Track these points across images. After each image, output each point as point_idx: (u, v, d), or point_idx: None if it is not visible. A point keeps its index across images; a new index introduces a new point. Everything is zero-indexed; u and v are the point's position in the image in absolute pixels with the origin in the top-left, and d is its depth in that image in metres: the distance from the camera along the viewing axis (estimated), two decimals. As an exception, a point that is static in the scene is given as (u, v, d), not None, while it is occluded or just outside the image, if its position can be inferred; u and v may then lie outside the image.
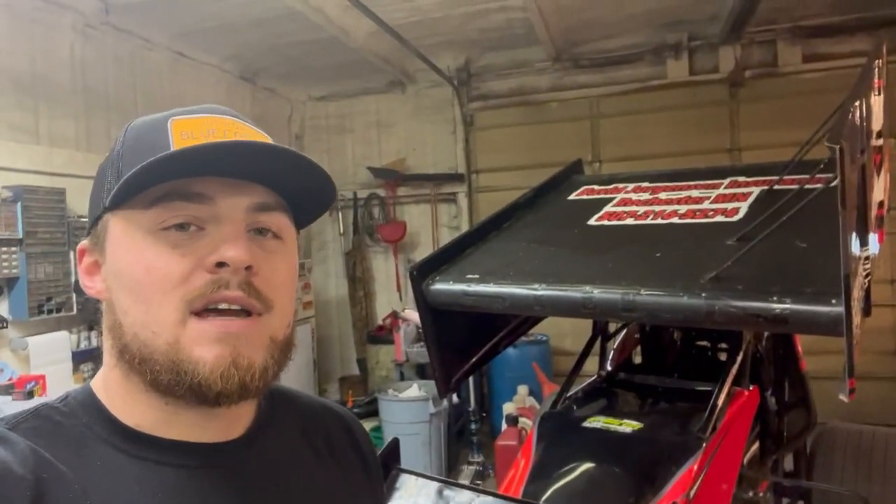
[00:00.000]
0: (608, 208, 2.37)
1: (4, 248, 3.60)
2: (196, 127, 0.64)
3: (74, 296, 3.95)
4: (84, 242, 0.68)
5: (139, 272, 0.60)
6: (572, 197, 2.64)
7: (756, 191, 2.21)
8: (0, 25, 3.89)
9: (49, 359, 3.68)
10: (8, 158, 3.76)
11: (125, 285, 0.61)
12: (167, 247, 0.60)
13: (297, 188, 0.67)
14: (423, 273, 2.06)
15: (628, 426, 2.17)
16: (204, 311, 0.60)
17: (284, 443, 0.73)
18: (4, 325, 3.63)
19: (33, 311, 3.69)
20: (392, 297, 6.75)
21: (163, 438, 0.63)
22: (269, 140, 0.68)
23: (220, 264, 0.60)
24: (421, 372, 5.46)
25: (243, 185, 0.63)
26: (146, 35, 5.00)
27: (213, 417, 0.64)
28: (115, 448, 0.61)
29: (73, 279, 3.92)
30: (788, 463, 3.14)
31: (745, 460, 2.37)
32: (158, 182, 0.60)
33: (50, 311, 3.78)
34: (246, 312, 0.61)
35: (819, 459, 3.08)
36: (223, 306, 0.60)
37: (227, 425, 0.67)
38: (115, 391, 0.64)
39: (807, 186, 1.83)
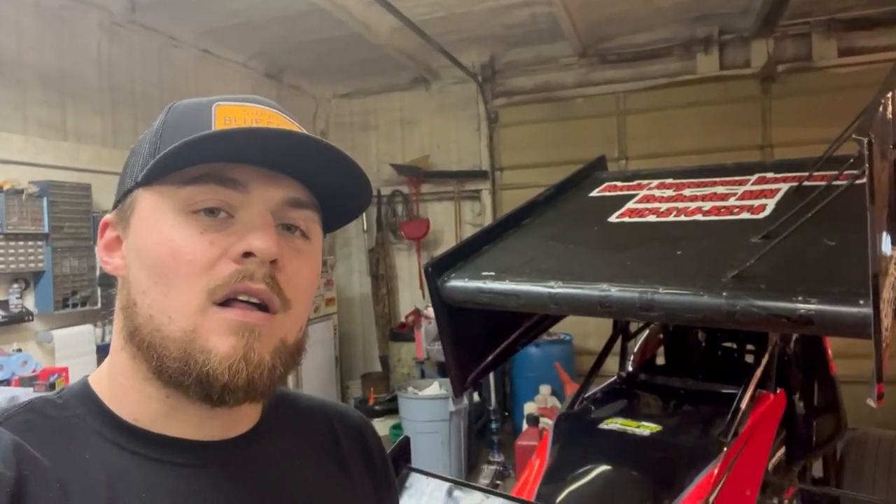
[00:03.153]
0: (630, 205, 2.32)
1: (31, 243, 3.65)
2: (240, 114, 0.63)
3: (99, 290, 4.00)
4: (108, 216, 0.67)
5: (164, 253, 0.58)
6: (594, 194, 2.58)
7: (784, 187, 2.14)
8: (29, 23, 3.96)
9: (73, 351, 3.73)
10: (35, 154, 3.83)
11: (147, 264, 0.60)
12: (196, 231, 0.58)
13: (333, 189, 0.65)
14: (438, 270, 2.03)
15: (647, 428, 2.11)
16: (225, 300, 0.58)
17: (285, 444, 0.71)
18: (30, 318, 3.69)
19: (58, 305, 3.75)
20: (415, 295, 6.73)
21: (158, 434, 0.61)
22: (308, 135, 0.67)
23: (247, 254, 0.58)
24: (442, 370, 5.43)
25: (279, 178, 0.62)
26: (172, 32, 5.05)
27: (215, 415, 0.62)
28: (107, 441, 0.59)
29: (97, 273, 3.98)
30: (817, 469, 3.04)
31: (771, 466, 2.30)
32: (196, 163, 0.58)
33: (75, 305, 3.84)
34: (264, 307, 0.60)
35: (849, 466, 2.98)
36: (243, 298, 0.59)
37: (227, 423, 0.65)
38: (118, 379, 0.62)
39: (835, 183, 1.75)
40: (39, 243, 3.70)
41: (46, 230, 3.71)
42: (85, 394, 0.63)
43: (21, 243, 3.60)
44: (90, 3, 4.32)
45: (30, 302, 3.76)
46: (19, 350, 3.56)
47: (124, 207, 0.64)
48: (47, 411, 0.60)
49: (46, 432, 0.58)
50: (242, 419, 0.66)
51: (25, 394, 0.65)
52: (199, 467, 0.61)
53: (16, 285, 3.68)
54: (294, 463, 0.70)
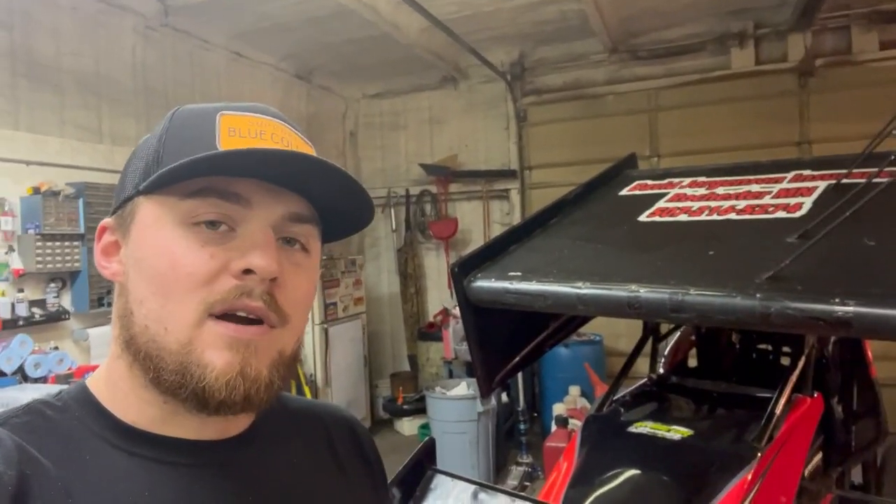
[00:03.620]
0: (661, 204, 2.27)
1: (67, 243, 3.74)
2: (244, 125, 0.63)
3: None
4: (107, 220, 0.67)
5: (163, 264, 0.59)
6: (623, 192, 2.54)
7: (822, 185, 2.07)
8: (66, 28, 4.06)
9: (108, 350, 3.81)
10: (71, 156, 3.92)
11: (146, 274, 0.60)
12: (196, 243, 0.59)
13: (334, 205, 0.66)
14: (464, 270, 2.02)
15: (677, 433, 2.06)
16: (222, 315, 0.58)
17: (282, 443, 0.72)
18: (66, 316, 3.78)
19: (94, 304, 3.83)
20: (443, 294, 6.73)
21: (157, 435, 0.61)
22: (310, 146, 0.68)
23: (247, 271, 0.58)
24: (470, 370, 5.41)
25: (281, 192, 0.62)
26: (204, 36, 5.13)
27: (212, 419, 0.62)
28: (106, 443, 0.60)
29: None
30: (857, 476, 2.95)
31: (807, 472, 2.23)
32: (198, 175, 0.58)
33: (110, 304, 3.90)
34: (260, 321, 0.60)
35: (890, 473, 2.88)
36: (241, 314, 0.59)
37: (225, 425, 0.65)
38: (116, 384, 0.62)
39: (875, 180, 1.69)
40: (76, 243, 3.79)
41: (82, 230, 3.80)
42: (83, 396, 0.63)
43: (58, 244, 3.69)
44: (125, 8, 4.41)
45: (66, 301, 3.85)
46: (56, 348, 3.64)
47: (124, 214, 0.64)
48: (47, 413, 0.60)
49: (47, 434, 0.58)
50: (240, 420, 0.67)
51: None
52: (199, 467, 0.62)
53: (53, 285, 3.77)
54: (293, 461, 0.71)
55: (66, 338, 3.82)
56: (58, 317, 3.73)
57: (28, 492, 0.53)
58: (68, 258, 3.74)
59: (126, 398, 0.62)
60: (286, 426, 0.74)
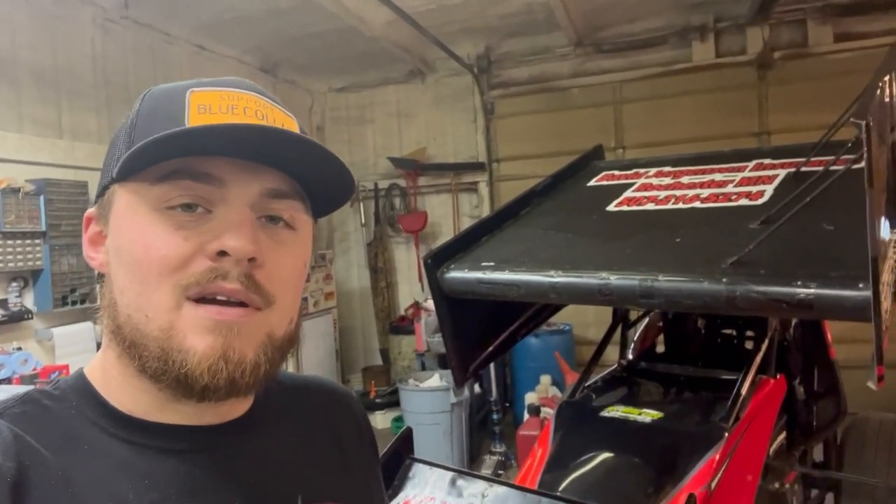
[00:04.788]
0: (628, 193, 2.31)
1: (28, 241, 3.65)
2: (215, 101, 0.60)
3: (98, 287, 3.99)
4: (91, 210, 0.65)
5: (138, 251, 0.58)
6: (591, 183, 2.58)
7: (782, 173, 2.14)
8: (21, 20, 3.94)
9: (73, 349, 3.74)
10: (31, 152, 3.82)
11: (123, 262, 0.59)
12: (170, 227, 0.57)
13: (315, 177, 0.63)
14: (437, 261, 2.03)
15: (648, 416, 2.12)
16: (200, 298, 0.57)
17: (281, 425, 0.71)
18: (30, 316, 3.69)
19: (57, 303, 3.75)
20: (414, 288, 6.74)
21: (154, 422, 0.60)
22: (292, 118, 0.65)
23: (222, 253, 0.57)
24: (442, 362, 5.43)
25: (257, 169, 0.60)
26: (166, 28, 5.03)
27: (207, 405, 0.61)
28: (104, 431, 0.59)
29: (96, 271, 3.97)
30: (818, 454, 3.06)
31: (772, 451, 2.31)
32: (168, 157, 0.57)
33: (74, 303, 3.84)
34: (242, 304, 0.59)
35: (849, 450, 2.99)
36: (221, 297, 0.57)
37: (222, 410, 0.64)
38: (111, 374, 0.62)
39: (833, 168, 1.75)
40: (37, 241, 3.70)
41: (44, 228, 3.71)
42: (81, 385, 0.63)
43: (19, 242, 3.60)
44: (83, 0, 4.29)
45: (29, 300, 3.76)
46: (19, 348, 3.56)
47: (104, 203, 0.63)
48: (44, 402, 0.60)
49: (45, 423, 0.58)
50: (237, 404, 0.66)
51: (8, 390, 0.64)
52: (199, 452, 0.61)
53: (14, 284, 3.68)
54: (291, 442, 0.70)
55: (29, 338, 3.73)
56: (20, 316, 3.64)
57: (27, 482, 0.52)
58: (30, 256, 3.65)
59: (121, 387, 0.61)
60: (284, 406, 0.73)
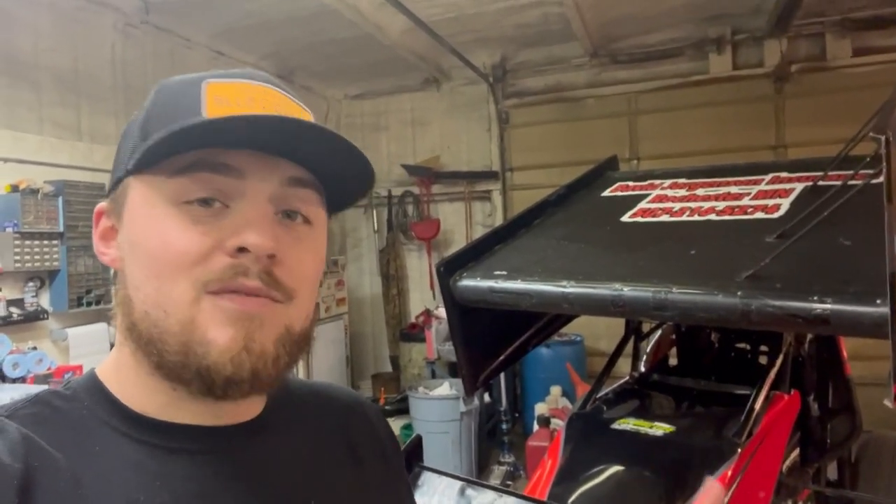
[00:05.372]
0: (642, 205, 2.30)
1: (46, 242, 3.70)
2: (232, 93, 0.59)
3: (113, 288, 4.03)
4: (103, 204, 0.64)
5: (155, 245, 0.56)
6: (605, 194, 2.57)
7: (799, 187, 2.12)
8: (44, 24, 4.01)
9: (88, 349, 3.77)
10: (50, 154, 3.87)
11: (139, 258, 0.58)
12: (188, 222, 0.56)
13: (333, 170, 0.62)
14: (450, 269, 2.03)
15: (659, 429, 2.10)
16: (220, 292, 0.56)
17: (294, 429, 0.69)
18: (45, 316, 3.73)
19: (73, 303, 3.79)
20: (425, 295, 6.74)
21: (167, 422, 0.60)
22: (307, 111, 0.64)
23: (242, 249, 0.56)
24: (452, 370, 5.43)
25: (276, 161, 0.59)
26: (185, 34, 5.09)
27: (222, 404, 0.61)
28: (116, 431, 0.58)
29: (111, 272, 4.01)
30: (832, 472, 3.01)
31: (785, 467, 2.28)
32: (186, 149, 0.55)
33: (89, 304, 3.87)
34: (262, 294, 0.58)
35: (864, 469, 2.95)
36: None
37: (235, 410, 0.63)
38: (125, 373, 0.61)
39: (851, 182, 1.74)
40: (54, 242, 3.75)
41: (61, 229, 3.76)
42: (93, 385, 0.62)
43: (36, 242, 3.65)
44: (104, 4, 4.36)
45: (45, 300, 3.80)
46: (34, 348, 3.59)
47: (117, 196, 0.62)
48: (55, 403, 0.59)
49: (55, 424, 0.57)
50: (250, 405, 0.65)
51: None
52: (211, 453, 0.60)
53: (31, 284, 3.72)
54: (304, 447, 0.69)
55: (44, 337, 3.77)
56: (36, 316, 3.68)
57: (35, 484, 0.52)
58: (47, 257, 3.69)
59: (134, 386, 0.60)
60: (298, 411, 0.72)
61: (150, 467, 0.57)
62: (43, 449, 0.54)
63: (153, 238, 0.57)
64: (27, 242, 3.59)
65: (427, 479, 1.70)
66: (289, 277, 0.59)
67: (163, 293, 0.56)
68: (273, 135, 0.57)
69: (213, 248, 0.56)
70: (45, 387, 0.62)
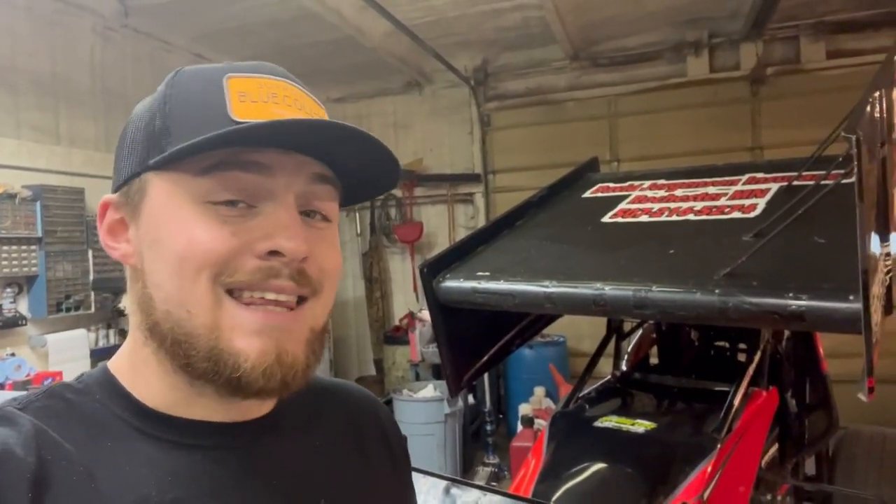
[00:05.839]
0: (623, 205, 2.34)
1: (24, 247, 3.65)
2: (254, 88, 0.59)
3: (93, 294, 3.99)
4: (110, 197, 0.62)
5: (180, 244, 0.56)
6: (587, 195, 2.60)
7: (774, 187, 2.17)
8: (21, 27, 3.96)
9: (67, 356, 3.73)
10: (28, 158, 3.83)
11: (162, 256, 0.57)
12: (215, 221, 0.56)
13: (354, 170, 0.63)
14: (433, 270, 2.04)
15: (641, 426, 2.13)
16: (245, 295, 0.57)
17: (306, 426, 0.70)
18: (24, 322, 3.68)
19: (52, 309, 3.75)
20: (409, 298, 6.74)
21: (180, 418, 0.59)
22: (320, 105, 0.65)
23: (273, 252, 0.56)
24: (436, 372, 5.44)
25: (302, 158, 0.59)
26: (165, 37, 5.06)
27: (236, 402, 0.61)
28: (129, 426, 0.58)
29: (91, 277, 3.97)
30: (810, 467, 3.07)
31: (764, 463, 2.32)
32: (212, 149, 0.55)
33: (68, 309, 3.83)
34: (288, 306, 0.58)
35: (841, 463, 3.01)
36: (270, 296, 0.57)
37: (249, 407, 0.63)
38: (140, 369, 0.60)
39: (824, 182, 1.78)
40: (33, 247, 3.70)
41: (40, 234, 3.72)
42: (105, 379, 0.61)
43: (14, 247, 3.60)
44: (83, 8, 4.32)
45: (23, 306, 3.76)
46: (13, 354, 3.55)
47: (131, 191, 0.60)
48: (68, 396, 0.59)
49: (68, 417, 0.57)
50: (263, 402, 0.65)
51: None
52: (223, 449, 0.60)
53: (9, 289, 3.67)
54: (316, 444, 0.69)
55: (22, 344, 3.72)
56: (14, 322, 3.63)
57: (48, 477, 0.51)
58: (25, 262, 3.65)
59: (149, 383, 0.60)
60: (310, 408, 0.72)
61: (163, 463, 0.57)
62: (56, 442, 0.54)
63: (179, 236, 0.56)
64: (4, 248, 3.55)
65: (412, 478, 1.70)
66: (317, 273, 0.60)
67: (185, 291, 0.56)
68: (307, 137, 0.58)
69: (241, 249, 0.56)
70: (24, 393, 0.60)
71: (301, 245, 0.57)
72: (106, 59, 4.56)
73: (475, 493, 1.62)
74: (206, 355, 0.56)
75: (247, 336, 0.56)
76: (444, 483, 1.68)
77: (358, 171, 0.63)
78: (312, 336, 0.61)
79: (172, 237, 0.57)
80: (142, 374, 0.61)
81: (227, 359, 0.55)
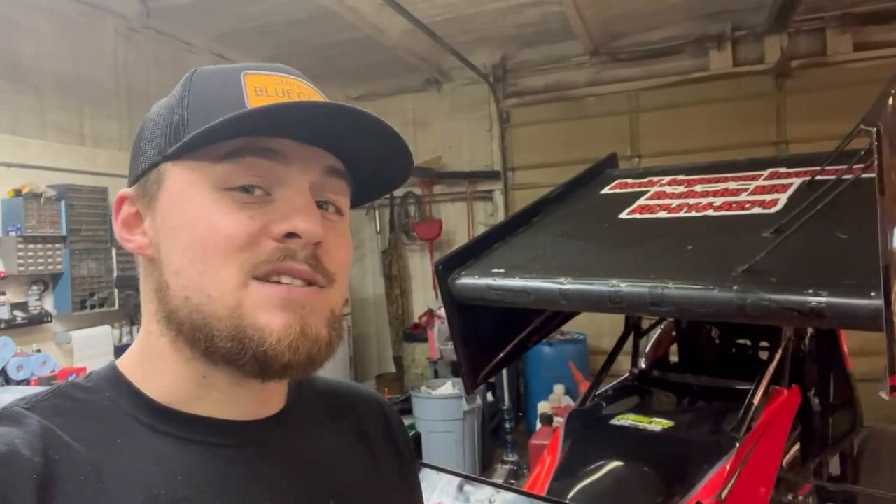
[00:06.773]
0: (641, 202, 2.31)
1: (49, 245, 3.72)
2: (270, 84, 0.61)
3: (117, 291, 4.06)
4: (126, 191, 0.63)
5: (202, 230, 0.57)
6: (605, 191, 2.58)
7: (797, 182, 2.12)
8: (45, 30, 4.03)
9: (91, 352, 3.80)
10: (53, 158, 3.90)
11: (182, 243, 0.58)
12: (234, 207, 0.57)
13: (367, 163, 0.64)
14: (448, 267, 2.04)
15: (658, 424, 2.10)
16: (266, 277, 0.57)
17: (315, 426, 0.70)
18: (49, 319, 3.75)
19: (76, 306, 3.81)
20: (428, 295, 6.75)
21: (191, 414, 0.59)
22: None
23: (290, 235, 0.57)
24: (455, 370, 5.44)
25: (315, 150, 0.61)
26: (186, 38, 5.12)
27: (247, 395, 0.61)
28: (139, 422, 0.58)
29: (115, 275, 4.03)
30: (835, 467, 3.01)
31: (785, 462, 2.28)
32: (230, 136, 0.56)
33: (93, 307, 3.90)
34: (308, 283, 0.59)
35: (866, 463, 2.94)
36: (286, 280, 0.58)
37: (259, 403, 0.63)
38: (152, 362, 0.61)
39: (845, 176, 1.74)
40: (58, 246, 3.77)
41: (64, 233, 3.78)
42: (114, 377, 0.61)
43: (40, 246, 3.67)
44: (106, 10, 4.39)
45: (48, 304, 3.83)
46: (38, 351, 3.62)
47: (148, 182, 0.61)
48: (77, 395, 0.59)
49: (77, 416, 0.57)
50: (273, 399, 0.65)
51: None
52: (234, 447, 0.60)
53: (35, 287, 3.75)
54: (325, 444, 0.69)
55: (48, 340, 3.79)
56: (40, 319, 3.70)
57: (56, 477, 0.51)
58: (50, 260, 3.71)
59: (161, 376, 0.60)
60: (319, 408, 0.72)
61: (172, 460, 0.57)
62: (64, 441, 0.53)
63: (199, 222, 0.57)
64: (30, 246, 3.62)
65: (425, 475, 1.71)
66: (331, 262, 0.61)
67: (207, 276, 0.56)
68: (312, 122, 0.59)
69: (259, 232, 0.57)
70: (32, 392, 0.60)
71: (317, 227, 0.58)
72: (128, 59, 4.62)
73: (489, 490, 1.61)
74: (229, 335, 0.56)
75: (270, 311, 0.57)
76: (457, 480, 1.68)
77: (370, 164, 0.64)
78: (333, 318, 0.62)
79: (192, 224, 0.58)
80: (154, 367, 0.61)
81: (251, 334, 0.56)
